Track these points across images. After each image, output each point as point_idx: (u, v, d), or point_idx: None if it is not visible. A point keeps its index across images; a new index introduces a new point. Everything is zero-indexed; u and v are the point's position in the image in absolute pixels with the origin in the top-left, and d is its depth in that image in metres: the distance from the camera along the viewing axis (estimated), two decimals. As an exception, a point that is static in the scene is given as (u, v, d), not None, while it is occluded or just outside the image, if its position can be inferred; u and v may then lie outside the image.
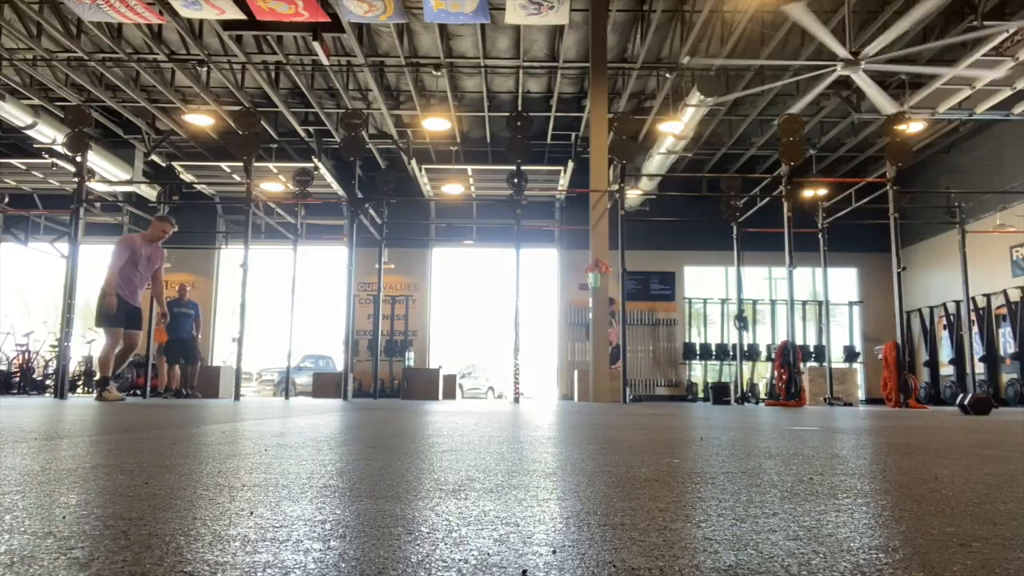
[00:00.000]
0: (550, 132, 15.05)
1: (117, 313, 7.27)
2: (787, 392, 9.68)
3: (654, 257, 16.90)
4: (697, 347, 16.64)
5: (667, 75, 12.08)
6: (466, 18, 9.66)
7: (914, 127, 12.95)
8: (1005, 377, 13.53)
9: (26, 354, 13.60)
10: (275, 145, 15.32)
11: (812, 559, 0.74)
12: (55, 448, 1.91)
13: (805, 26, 8.54)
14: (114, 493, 1.14)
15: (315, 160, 14.44)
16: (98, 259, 18.12)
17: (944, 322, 15.20)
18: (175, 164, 15.16)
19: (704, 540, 0.83)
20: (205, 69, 12.17)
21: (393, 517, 0.95)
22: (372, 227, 12.20)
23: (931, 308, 15.66)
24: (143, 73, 12.36)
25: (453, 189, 16.43)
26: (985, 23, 9.03)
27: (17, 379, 13.37)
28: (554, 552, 0.76)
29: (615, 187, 10.54)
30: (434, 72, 12.23)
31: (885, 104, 9.83)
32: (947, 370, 14.90)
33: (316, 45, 10.07)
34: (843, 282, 17.19)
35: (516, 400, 9.39)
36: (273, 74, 12.70)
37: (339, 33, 10.33)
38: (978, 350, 13.89)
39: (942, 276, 15.21)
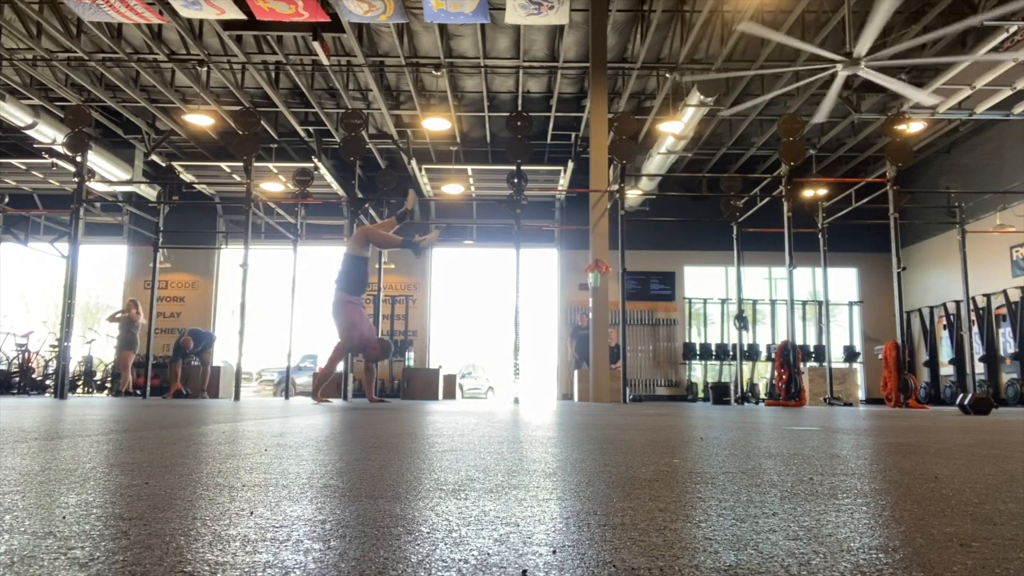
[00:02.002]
0: (550, 132, 15.05)
1: None
2: (787, 392, 9.68)
3: (654, 257, 16.90)
4: (697, 347, 16.63)
5: (667, 75, 12.08)
6: (466, 18, 9.66)
7: (914, 127, 12.95)
8: (1005, 377, 13.53)
9: (26, 354, 13.60)
10: (275, 145, 15.32)
11: (812, 559, 0.74)
12: (55, 448, 1.91)
13: (764, 36, 8.48)
14: (114, 493, 1.14)
15: (315, 160, 14.44)
16: (97, 259, 18.15)
17: (944, 322, 15.20)
18: (175, 164, 15.16)
19: (704, 540, 0.83)
20: (205, 69, 12.17)
21: (393, 517, 0.95)
22: (372, 227, 12.19)
23: (931, 308, 15.66)
24: (143, 73, 12.36)
25: (453, 189, 16.43)
26: (985, 23, 9.03)
27: (17, 379, 13.37)
28: (554, 552, 0.76)
29: (615, 187, 10.54)
30: (434, 72, 12.23)
31: (913, 94, 9.29)
32: (947, 370, 14.90)
33: (316, 45, 10.07)
34: (843, 282, 17.19)
35: (516, 400, 9.39)
36: (273, 74, 12.70)
37: (339, 33, 10.33)
38: (978, 350, 13.89)
39: (942, 276, 15.21)
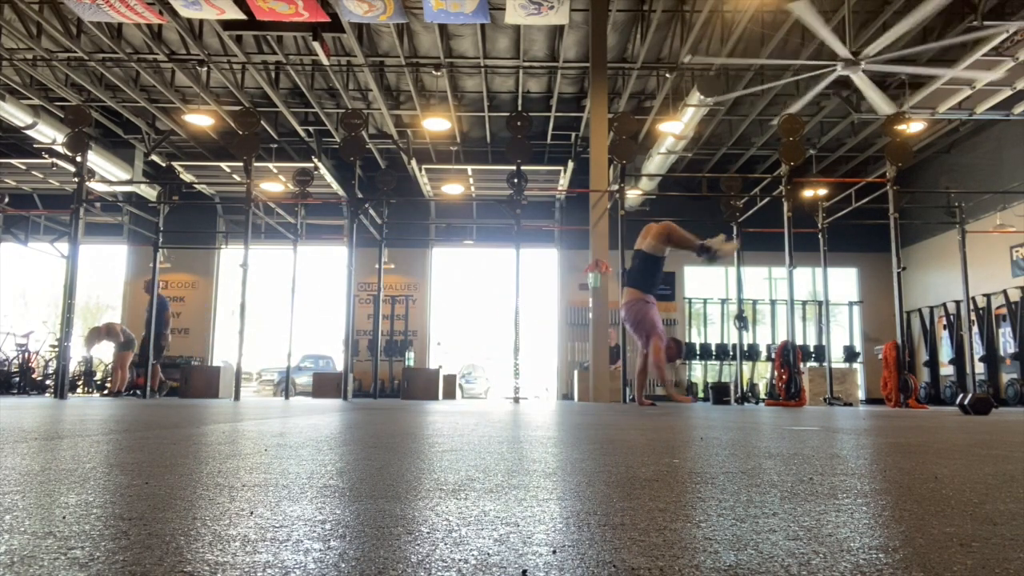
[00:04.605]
0: (550, 132, 15.05)
1: None
2: (787, 392, 9.68)
3: (654, 257, 16.86)
4: (697, 347, 16.62)
5: (667, 75, 12.08)
6: (466, 18, 9.66)
7: (914, 127, 12.95)
8: (1005, 377, 13.53)
9: (26, 354, 13.59)
10: (275, 145, 15.33)
11: (812, 559, 0.74)
12: (55, 448, 1.91)
13: (808, 24, 8.49)
14: (114, 493, 1.14)
15: (315, 160, 14.44)
16: (97, 259, 18.16)
17: (944, 322, 15.20)
18: (175, 164, 15.16)
19: (704, 540, 0.83)
20: (205, 69, 12.17)
21: (393, 517, 0.95)
22: (372, 227, 12.20)
23: (931, 308, 15.66)
24: (143, 73, 12.36)
25: (453, 189, 16.44)
26: (985, 23, 9.03)
27: (17, 379, 13.36)
28: (554, 552, 0.76)
29: (615, 187, 10.54)
30: (434, 72, 12.24)
31: (882, 105, 9.84)
32: (947, 370, 14.90)
33: (316, 45, 10.08)
34: (843, 282, 17.19)
35: (516, 400, 9.39)
36: (273, 74, 12.70)
37: (339, 33, 10.33)
38: (978, 350, 13.89)
39: (942, 276, 15.21)
